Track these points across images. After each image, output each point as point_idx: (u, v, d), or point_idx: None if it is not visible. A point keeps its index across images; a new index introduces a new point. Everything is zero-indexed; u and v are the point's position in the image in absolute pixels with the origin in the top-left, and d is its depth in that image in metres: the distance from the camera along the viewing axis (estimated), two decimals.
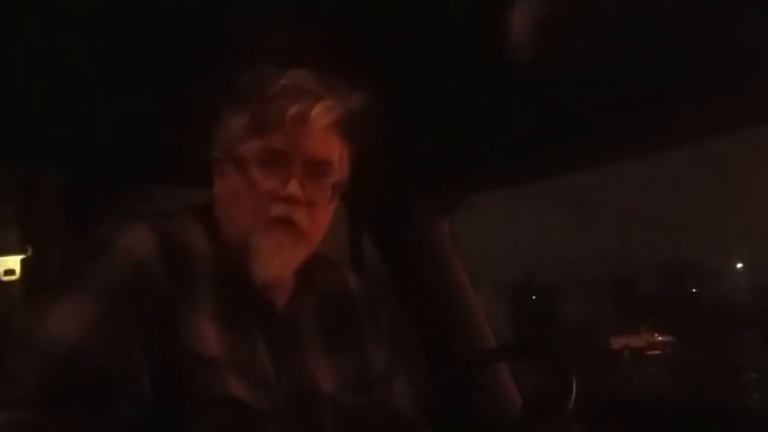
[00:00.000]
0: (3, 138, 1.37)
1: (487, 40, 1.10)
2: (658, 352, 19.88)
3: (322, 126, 0.92)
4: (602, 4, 1.01)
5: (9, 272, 1.77)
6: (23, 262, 1.74)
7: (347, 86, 0.94)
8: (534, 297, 29.03)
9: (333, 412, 0.97)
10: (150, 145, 1.49)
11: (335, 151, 0.96)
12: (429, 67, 1.20)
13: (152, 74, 1.18)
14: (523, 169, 1.79)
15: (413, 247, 1.92)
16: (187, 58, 1.13)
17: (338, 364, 1.02)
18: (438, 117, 1.45)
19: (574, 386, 1.14)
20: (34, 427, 0.74)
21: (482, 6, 1.01)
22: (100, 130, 1.42)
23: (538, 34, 1.05)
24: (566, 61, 1.17)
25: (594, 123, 1.44)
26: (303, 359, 0.99)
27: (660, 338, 20.54)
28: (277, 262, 0.93)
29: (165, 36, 1.06)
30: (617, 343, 20.90)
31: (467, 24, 1.06)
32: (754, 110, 1.34)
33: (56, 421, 0.76)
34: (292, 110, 0.90)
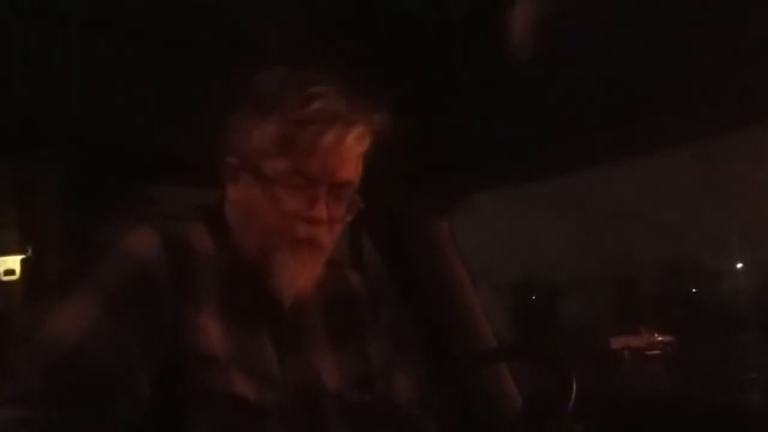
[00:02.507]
0: (3, 138, 1.37)
1: (486, 40, 1.10)
2: (658, 352, 19.87)
3: (354, 154, 0.94)
4: (602, 4, 1.01)
5: (9, 272, 1.77)
6: (23, 262, 1.74)
7: (370, 105, 0.95)
8: (534, 297, 29.03)
9: (337, 408, 0.98)
10: (150, 145, 1.49)
11: (358, 171, 0.98)
12: (428, 67, 1.21)
13: (153, 74, 1.18)
14: (523, 169, 1.79)
15: (413, 247, 1.92)
16: (188, 57, 1.13)
17: (342, 361, 1.03)
18: (438, 117, 1.45)
19: (574, 386, 1.14)
20: (35, 424, 0.75)
21: (482, 6, 1.01)
22: (99, 130, 1.42)
23: (538, 34, 1.05)
24: (566, 61, 1.17)
25: (593, 123, 1.44)
26: (308, 357, 0.99)
27: (660, 338, 20.53)
28: (302, 280, 0.96)
29: (166, 35, 1.06)
30: (617, 343, 20.89)
31: (467, 24, 1.06)
32: (754, 110, 1.34)
33: (57, 419, 0.76)
34: (327, 139, 0.90)
